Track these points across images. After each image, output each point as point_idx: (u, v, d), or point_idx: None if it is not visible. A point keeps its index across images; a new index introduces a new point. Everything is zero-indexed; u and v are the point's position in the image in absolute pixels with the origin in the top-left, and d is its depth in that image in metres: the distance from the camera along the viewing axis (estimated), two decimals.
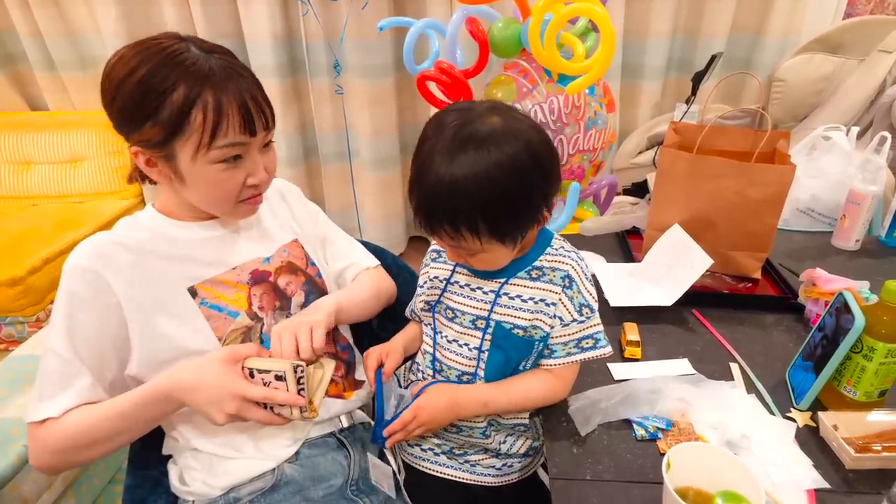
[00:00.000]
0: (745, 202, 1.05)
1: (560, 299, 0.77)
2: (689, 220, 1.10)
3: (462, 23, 1.58)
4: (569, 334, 0.78)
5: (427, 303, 0.86)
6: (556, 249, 0.80)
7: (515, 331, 0.78)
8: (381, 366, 0.86)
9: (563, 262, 0.79)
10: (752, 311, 1.05)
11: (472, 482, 0.88)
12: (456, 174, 0.66)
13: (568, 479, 0.72)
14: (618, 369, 0.90)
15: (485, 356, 0.81)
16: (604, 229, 1.35)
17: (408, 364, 0.95)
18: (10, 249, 2.10)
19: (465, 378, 0.84)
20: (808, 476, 0.70)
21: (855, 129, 1.36)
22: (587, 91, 1.53)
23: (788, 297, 1.06)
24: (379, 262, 1.05)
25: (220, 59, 0.74)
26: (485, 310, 0.80)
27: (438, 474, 0.89)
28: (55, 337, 0.74)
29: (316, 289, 0.92)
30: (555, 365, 0.80)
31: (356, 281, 1.00)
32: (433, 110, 0.71)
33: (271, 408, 0.75)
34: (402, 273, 1.08)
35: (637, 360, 0.92)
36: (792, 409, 0.81)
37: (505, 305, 0.79)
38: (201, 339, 0.79)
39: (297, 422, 0.80)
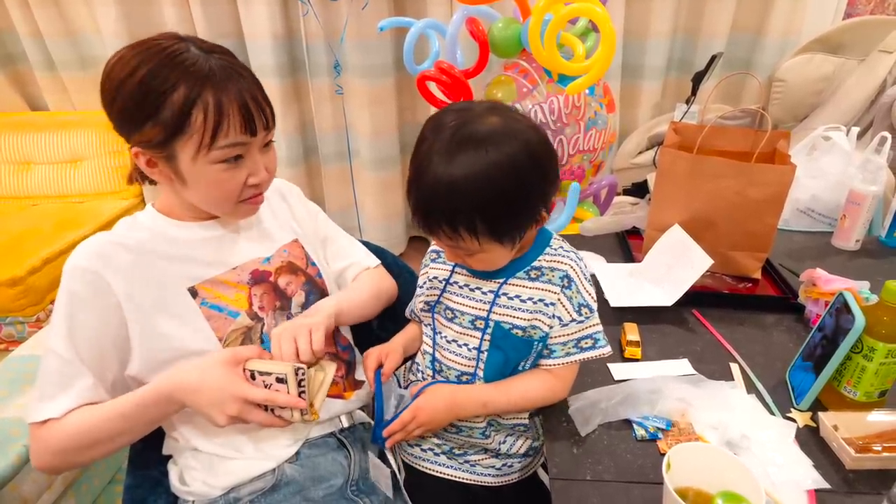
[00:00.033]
0: (746, 202, 1.05)
1: (559, 299, 0.77)
2: (689, 221, 1.10)
3: (462, 23, 1.58)
4: (568, 334, 0.78)
5: (426, 303, 0.86)
6: (555, 249, 0.80)
7: (514, 331, 0.78)
8: (380, 366, 0.86)
9: (561, 262, 0.79)
10: (752, 311, 1.05)
11: (472, 482, 0.88)
12: (454, 174, 0.66)
13: (568, 480, 0.72)
14: (618, 369, 0.90)
15: (484, 356, 0.81)
16: (604, 229, 1.35)
17: (407, 364, 0.95)
18: (10, 249, 2.10)
19: (464, 378, 0.84)
20: (809, 476, 0.70)
21: (855, 130, 1.36)
22: (587, 91, 1.53)
23: (788, 297, 1.06)
24: (380, 262, 1.05)
25: (219, 59, 0.74)
26: (484, 310, 0.80)
27: (438, 474, 0.89)
28: (56, 337, 0.74)
29: (316, 289, 0.92)
30: (554, 365, 0.80)
31: (356, 282, 1.00)
32: (433, 110, 0.72)
33: (272, 410, 0.75)
34: (402, 273, 1.08)
35: (637, 360, 0.92)
36: (792, 410, 0.81)
37: (504, 305, 0.79)
38: (202, 339, 0.79)
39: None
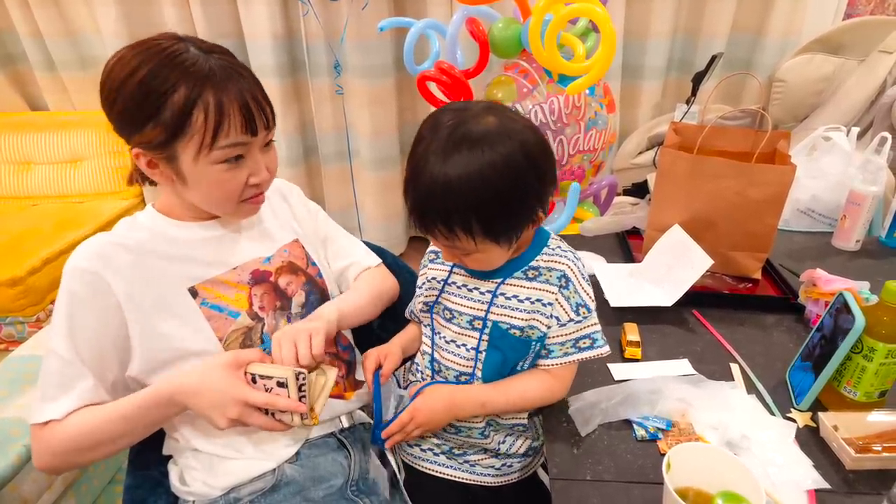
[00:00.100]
0: (746, 202, 1.05)
1: (556, 299, 0.77)
2: (689, 221, 1.10)
3: (462, 23, 1.57)
4: (566, 334, 0.78)
5: (425, 303, 0.86)
6: (553, 249, 0.80)
7: (512, 331, 0.78)
8: (379, 367, 0.86)
9: (559, 262, 0.78)
10: (752, 311, 1.05)
11: (472, 482, 0.88)
12: (450, 174, 0.66)
13: (568, 480, 0.72)
14: (618, 370, 0.90)
15: (482, 356, 0.81)
16: (604, 230, 1.35)
17: (407, 364, 0.95)
18: (10, 249, 2.10)
19: (462, 378, 0.84)
20: (809, 476, 0.70)
21: (855, 130, 1.36)
22: (587, 91, 1.53)
23: (789, 297, 1.06)
24: (381, 261, 1.05)
25: (219, 59, 0.74)
26: (481, 310, 0.80)
27: (438, 474, 0.89)
28: (56, 338, 0.74)
29: (316, 289, 0.92)
30: (552, 365, 0.79)
31: (357, 284, 0.99)
32: (433, 110, 0.72)
33: (272, 413, 0.75)
34: (402, 273, 1.08)
35: (637, 360, 0.92)
36: (792, 410, 0.81)
37: (501, 306, 0.79)
38: (202, 339, 0.79)
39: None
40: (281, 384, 0.73)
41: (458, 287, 0.83)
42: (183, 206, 0.83)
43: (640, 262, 1.15)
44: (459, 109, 0.71)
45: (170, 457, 0.88)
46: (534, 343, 0.79)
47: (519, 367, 0.82)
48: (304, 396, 0.74)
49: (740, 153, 1.11)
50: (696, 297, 1.04)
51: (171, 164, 0.75)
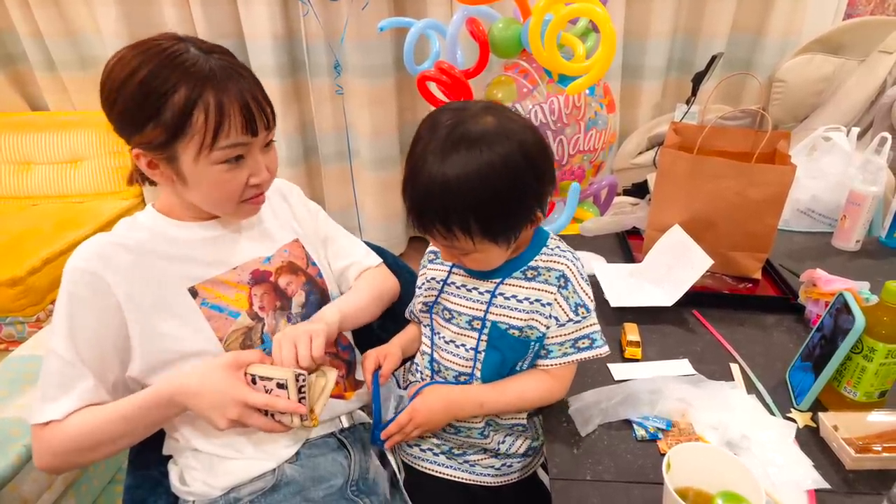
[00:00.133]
0: (746, 203, 1.05)
1: (555, 299, 0.77)
2: (689, 221, 1.10)
3: (462, 23, 1.57)
4: (565, 334, 0.78)
5: (424, 304, 0.86)
6: (552, 249, 0.80)
7: (511, 331, 0.78)
8: (378, 368, 0.86)
9: (558, 262, 0.78)
10: (752, 311, 1.05)
11: (472, 482, 0.88)
12: (448, 174, 0.66)
13: (568, 480, 0.72)
14: (618, 370, 0.90)
15: (481, 357, 0.81)
16: (604, 230, 1.35)
17: (407, 365, 0.95)
18: (10, 249, 2.10)
19: (462, 379, 0.84)
20: (809, 476, 0.70)
21: (855, 130, 1.36)
22: (587, 91, 1.53)
23: (789, 297, 1.06)
24: (381, 261, 1.05)
25: (219, 60, 0.74)
26: (480, 310, 0.80)
27: (438, 474, 0.89)
28: (57, 338, 0.74)
29: (316, 289, 0.92)
30: (551, 365, 0.79)
31: (357, 284, 0.99)
32: (432, 110, 0.72)
33: (272, 415, 0.75)
34: (402, 273, 1.08)
35: (637, 360, 0.92)
36: (792, 410, 0.81)
37: (500, 306, 0.79)
38: (202, 339, 0.79)
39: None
40: (281, 385, 0.73)
41: (458, 287, 0.83)
42: (183, 207, 0.83)
43: (640, 262, 1.15)
44: (458, 109, 0.71)
45: (170, 457, 0.88)
46: (533, 343, 0.79)
47: (518, 368, 0.82)
48: (303, 398, 0.74)
49: (740, 153, 1.11)
50: (696, 297, 1.04)
51: (172, 165, 0.75)
